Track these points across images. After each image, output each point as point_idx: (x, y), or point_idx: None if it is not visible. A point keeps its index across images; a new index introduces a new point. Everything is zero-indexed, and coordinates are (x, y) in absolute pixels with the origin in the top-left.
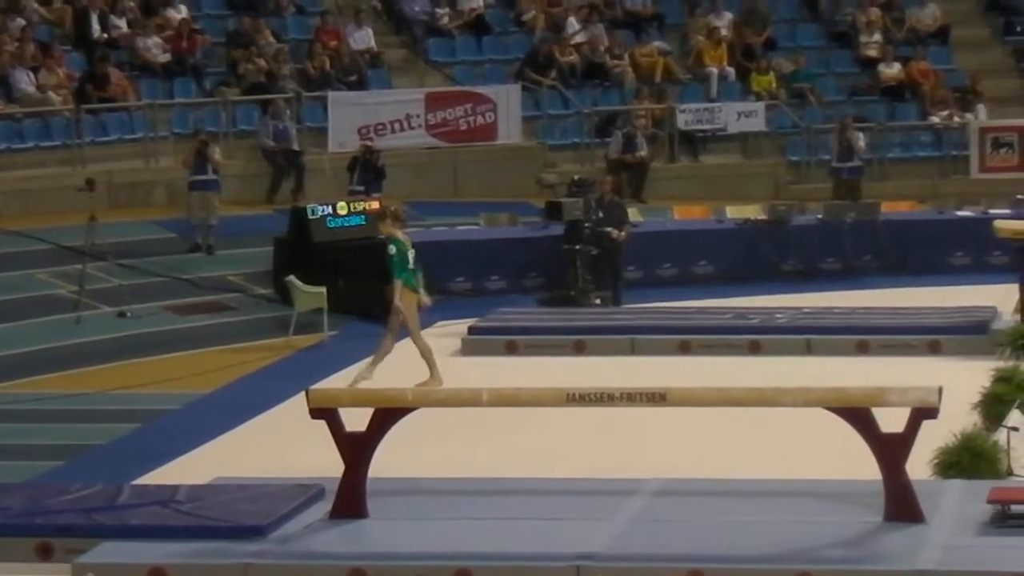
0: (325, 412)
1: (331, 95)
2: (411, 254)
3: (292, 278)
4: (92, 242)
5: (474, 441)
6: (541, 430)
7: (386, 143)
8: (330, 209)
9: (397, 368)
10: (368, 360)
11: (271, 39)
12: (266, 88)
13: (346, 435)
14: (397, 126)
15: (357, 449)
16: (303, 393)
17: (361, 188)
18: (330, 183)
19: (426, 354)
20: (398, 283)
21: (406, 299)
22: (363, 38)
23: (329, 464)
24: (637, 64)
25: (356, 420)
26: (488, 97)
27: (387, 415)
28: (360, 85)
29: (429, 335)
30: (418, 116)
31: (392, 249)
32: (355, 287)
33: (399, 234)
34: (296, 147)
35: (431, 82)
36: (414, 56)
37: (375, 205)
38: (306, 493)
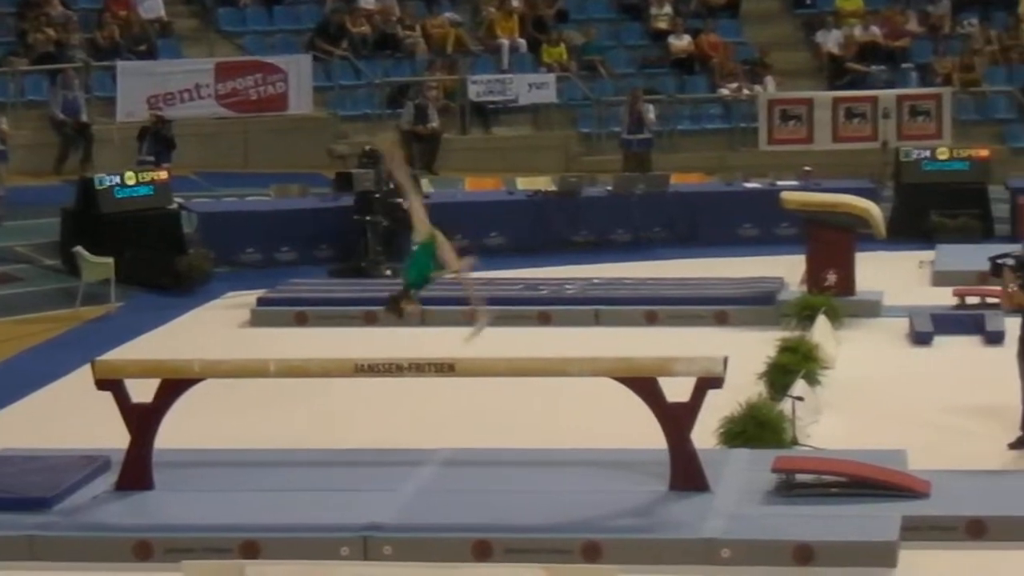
0: (111, 383)
1: (120, 65)
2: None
3: (79, 249)
4: None
5: (262, 413)
6: (330, 401)
7: (175, 113)
8: (118, 179)
9: (190, 339)
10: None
11: (61, 8)
12: (55, 58)
13: (132, 406)
14: (187, 96)
15: (143, 420)
16: (89, 364)
17: (151, 158)
18: (118, 153)
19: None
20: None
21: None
22: (153, 7)
23: (116, 436)
24: (429, 35)
25: (144, 391)
26: (279, 67)
27: (173, 386)
28: (150, 55)
29: (218, 307)
30: (208, 86)
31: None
32: (143, 258)
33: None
34: (85, 119)
35: (222, 52)
36: (205, 26)
37: (164, 175)
38: (92, 465)
